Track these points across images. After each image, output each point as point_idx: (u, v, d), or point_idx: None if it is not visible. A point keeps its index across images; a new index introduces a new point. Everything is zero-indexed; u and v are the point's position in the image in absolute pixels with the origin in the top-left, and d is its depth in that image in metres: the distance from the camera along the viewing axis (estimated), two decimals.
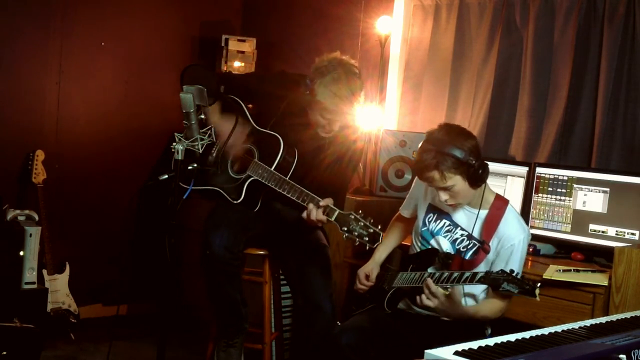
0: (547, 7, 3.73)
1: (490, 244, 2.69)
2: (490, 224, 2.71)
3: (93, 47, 4.52)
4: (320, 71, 3.05)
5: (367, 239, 2.73)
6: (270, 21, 5.09)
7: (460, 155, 2.58)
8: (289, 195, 2.96)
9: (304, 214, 2.90)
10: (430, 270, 2.72)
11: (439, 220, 2.84)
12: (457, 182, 2.62)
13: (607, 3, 3.51)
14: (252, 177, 3.09)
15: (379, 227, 2.73)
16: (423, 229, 2.88)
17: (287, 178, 3.01)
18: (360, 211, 2.79)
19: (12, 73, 4.25)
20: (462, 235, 2.78)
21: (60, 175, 4.37)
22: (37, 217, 4.02)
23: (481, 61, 3.98)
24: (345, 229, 2.76)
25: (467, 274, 2.50)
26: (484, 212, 2.75)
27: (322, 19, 4.72)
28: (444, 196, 2.67)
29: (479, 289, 2.74)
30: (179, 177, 2.82)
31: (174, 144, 2.80)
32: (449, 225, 2.82)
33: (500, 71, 3.91)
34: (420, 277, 2.68)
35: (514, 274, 2.42)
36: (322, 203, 2.85)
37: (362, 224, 2.74)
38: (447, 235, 2.81)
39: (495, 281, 2.39)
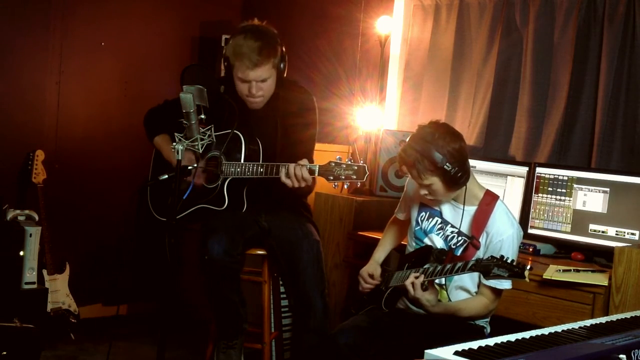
0: (547, 7, 3.73)
1: (480, 239, 2.70)
2: (479, 220, 2.72)
3: (93, 47, 4.52)
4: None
5: (355, 176, 2.81)
6: (270, 21, 5.07)
7: (437, 159, 2.58)
8: (268, 176, 2.97)
9: (284, 180, 2.91)
10: (425, 267, 2.73)
11: (430, 218, 2.85)
12: (435, 182, 2.64)
13: (607, 3, 3.51)
14: (227, 178, 3.09)
15: (361, 161, 2.77)
16: (417, 229, 2.88)
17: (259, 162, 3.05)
18: (337, 156, 2.84)
19: (12, 73, 4.25)
20: (452, 232, 2.79)
21: (60, 175, 4.37)
22: (37, 217, 4.02)
23: (481, 61, 3.98)
24: (332, 177, 2.83)
25: (459, 264, 2.51)
26: (473, 208, 2.75)
27: (322, 19, 4.72)
28: (422, 191, 2.71)
29: (473, 285, 2.75)
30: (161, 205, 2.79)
31: (174, 144, 2.80)
32: (441, 223, 2.82)
33: (500, 71, 3.91)
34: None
35: (504, 259, 2.42)
36: (299, 163, 2.90)
37: (344, 165, 2.81)
38: (439, 233, 2.82)
39: (486, 267, 2.40)
